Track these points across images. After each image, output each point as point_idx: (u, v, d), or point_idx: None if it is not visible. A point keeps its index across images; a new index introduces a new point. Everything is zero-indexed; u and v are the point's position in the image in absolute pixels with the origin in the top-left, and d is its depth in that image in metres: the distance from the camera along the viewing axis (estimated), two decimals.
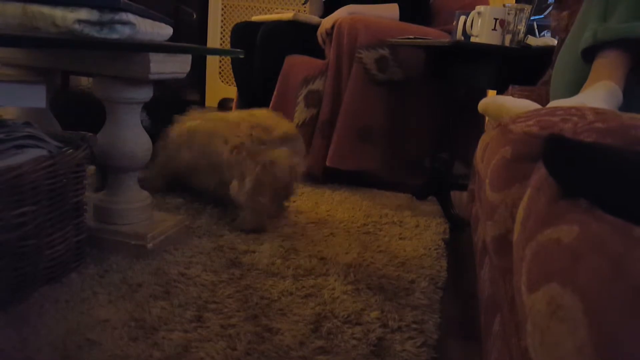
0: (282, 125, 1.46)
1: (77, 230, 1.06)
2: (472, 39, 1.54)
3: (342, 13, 2.02)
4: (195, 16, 3.22)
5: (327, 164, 1.88)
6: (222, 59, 3.38)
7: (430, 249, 1.35)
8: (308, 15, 2.25)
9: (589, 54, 0.92)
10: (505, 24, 1.46)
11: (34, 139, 0.97)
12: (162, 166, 1.60)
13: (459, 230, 1.59)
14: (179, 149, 1.55)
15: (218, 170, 1.44)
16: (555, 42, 1.41)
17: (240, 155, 1.38)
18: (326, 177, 1.94)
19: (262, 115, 1.49)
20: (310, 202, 1.70)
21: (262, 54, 2.10)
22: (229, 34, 2.40)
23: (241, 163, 1.38)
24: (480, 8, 1.50)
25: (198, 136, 1.51)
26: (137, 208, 1.20)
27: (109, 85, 1.10)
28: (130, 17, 0.99)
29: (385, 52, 1.86)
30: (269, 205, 1.42)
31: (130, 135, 1.15)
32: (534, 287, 0.34)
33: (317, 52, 2.06)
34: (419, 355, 0.88)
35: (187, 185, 1.60)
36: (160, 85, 1.71)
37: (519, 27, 1.46)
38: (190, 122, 1.56)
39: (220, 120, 1.51)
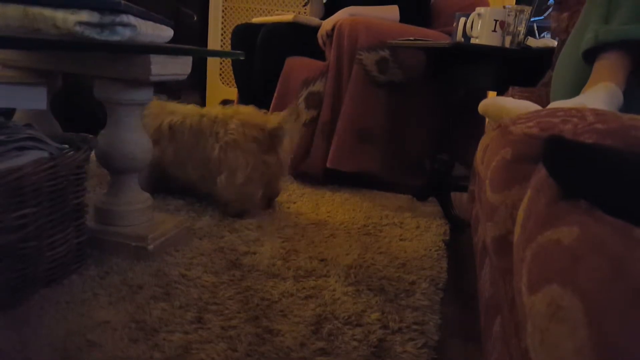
0: (271, 121, 1.48)
1: (77, 232, 1.07)
2: (472, 41, 1.54)
3: (342, 15, 2.03)
4: (195, 18, 3.22)
5: (328, 165, 1.88)
6: (223, 60, 3.38)
7: (430, 250, 1.35)
8: (308, 17, 2.25)
9: (590, 56, 0.92)
10: (505, 25, 1.46)
11: (34, 140, 0.97)
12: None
13: (459, 231, 1.59)
14: (158, 143, 1.53)
15: (205, 165, 1.48)
16: (555, 43, 1.41)
17: (233, 152, 1.41)
18: (326, 178, 1.94)
19: (247, 112, 1.51)
20: (310, 203, 1.70)
21: (263, 56, 2.10)
22: (230, 35, 2.40)
23: (233, 159, 1.42)
24: (480, 9, 1.50)
25: (183, 133, 1.50)
26: (137, 209, 1.20)
27: (109, 87, 1.10)
28: (131, 19, 0.99)
29: (385, 53, 1.86)
30: (257, 198, 1.50)
31: (130, 136, 1.15)
32: (534, 288, 0.34)
33: (317, 53, 2.06)
34: (419, 356, 0.88)
35: (166, 177, 1.59)
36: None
37: (519, 28, 1.47)
38: (169, 117, 1.54)
39: (203, 116, 1.51)
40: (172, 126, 1.51)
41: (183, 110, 1.55)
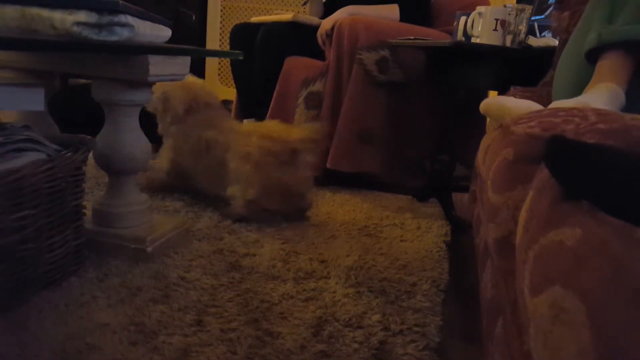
0: (294, 135, 1.44)
1: (76, 234, 1.06)
2: (473, 40, 1.53)
3: (342, 14, 2.02)
4: (194, 18, 3.22)
5: (328, 165, 1.87)
6: (222, 60, 3.38)
7: (431, 251, 1.35)
8: (308, 16, 2.24)
9: (593, 56, 0.91)
10: (506, 24, 1.46)
11: (32, 142, 0.97)
12: (170, 165, 1.63)
13: (460, 232, 1.58)
14: (193, 156, 1.56)
15: (218, 174, 1.48)
16: (556, 42, 1.41)
17: (247, 166, 1.40)
18: (326, 178, 1.93)
19: (272, 125, 1.50)
20: None
21: (262, 55, 2.10)
22: (228, 35, 2.40)
23: (246, 173, 1.40)
24: (481, 8, 1.50)
25: (215, 149, 1.51)
26: (136, 211, 1.19)
27: (107, 88, 1.10)
28: (129, 19, 0.99)
29: (385, 53, 1.86)
30: (270, 212, 1.46)
31: (129, 137, 1.14)
32: (536, 290, 0.34)
33: (317, 53, 2.06)
34: (421, 358, 0.87)
35: (189, 185, 1.62)
36: None
37: (519, 27, 1.46)
38: (206, 131, 1.54)
39: (234, 132, 1.51)
40: (208, 141, 1.52)
41: (221, 125, 1.55)
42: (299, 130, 1.49)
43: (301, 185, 1.49)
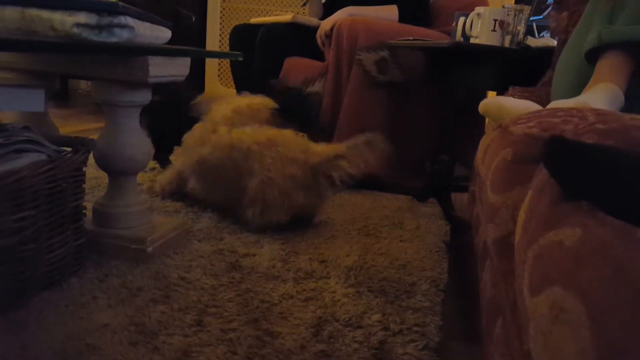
0: (314, 153, 1.39)
1: (76, 235, 1.06)
2: (472, 40, 1.54)
3: (341, 15, 2.02)
4: (194, 19, 3.22)
5: None
6: (221, 61, 3.38)
7: (431, 251, 1.35)
8: (307, 17, 2.25)
9: (593, 55, 0.92)
10: (505, 24, 1.46)
11: (33, 143, 0.97)
12: (177, 175, 1.61)
13: (460, 232, 1.58)
14: (193, 174, 1.53)
15: (235, 193, 1.43)
16: (555, 42, 1.41)
17: (270, 191, 1.35)
18: None
19: (285, 141, 1.41)
20: None
21: (262, 56, 2.10)
22: (228, 36, 2.40)
23: (271, 197, 1.36)
24: (479, 9, 1.50)
25: (217, 170, 1.45)
26: (136, 212, 1.19)
27: (107, 89, 1.10)
28: (129, 20, 0.99)
29: (384, 53, 1.86)
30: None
31: (129, 138, 1.14)
32: (536, 290, 0.34)
33: (316, 54, 2.06)
34: (420, 358, 0.87)
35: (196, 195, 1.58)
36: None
37: (518, 28, 1.46)
38: (201, 149, 1.47)
39: (235, 150, 1.41)
40: (208, 162, 1.46)
41: (217, 141, 1.45)
42: (318, 147, 1.43)
43: (320, 203, 1.48)
